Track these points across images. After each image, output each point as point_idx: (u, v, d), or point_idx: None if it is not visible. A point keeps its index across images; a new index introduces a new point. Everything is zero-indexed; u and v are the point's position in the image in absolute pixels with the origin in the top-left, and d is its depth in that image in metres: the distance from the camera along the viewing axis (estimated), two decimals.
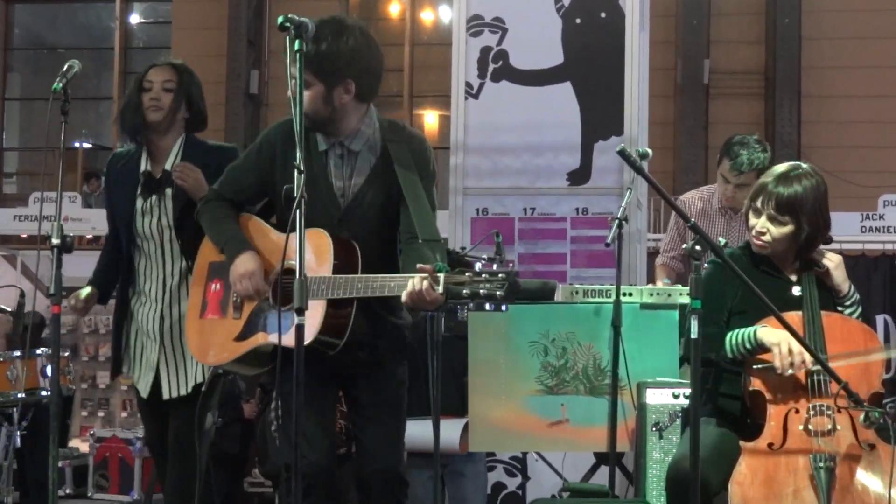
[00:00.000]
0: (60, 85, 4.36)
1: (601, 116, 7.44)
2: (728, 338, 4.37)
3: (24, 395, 5.37)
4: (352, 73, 4.21)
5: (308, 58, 4.00)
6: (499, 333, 5.48)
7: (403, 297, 3.89)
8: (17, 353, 5.58)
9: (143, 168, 4.99)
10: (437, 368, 5.19)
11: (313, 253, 3.96)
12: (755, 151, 6.21)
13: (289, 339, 3.81)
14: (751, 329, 4.33)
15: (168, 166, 4.96)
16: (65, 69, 4.41)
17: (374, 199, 4.27)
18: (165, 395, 4.94)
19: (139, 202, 4.97)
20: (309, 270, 3.88)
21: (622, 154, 4.12)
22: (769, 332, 4.29)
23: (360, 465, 4.41)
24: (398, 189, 4.21)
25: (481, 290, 3.73)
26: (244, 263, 4.25)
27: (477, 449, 5.65)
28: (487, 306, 3.75)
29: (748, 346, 4.31)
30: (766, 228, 4.51)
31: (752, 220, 4.56)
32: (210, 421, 6.23)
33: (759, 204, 4.53)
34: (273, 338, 4.14)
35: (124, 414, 11.23)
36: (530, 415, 5.44)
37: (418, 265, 3.85)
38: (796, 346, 4.23)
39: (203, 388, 4.83)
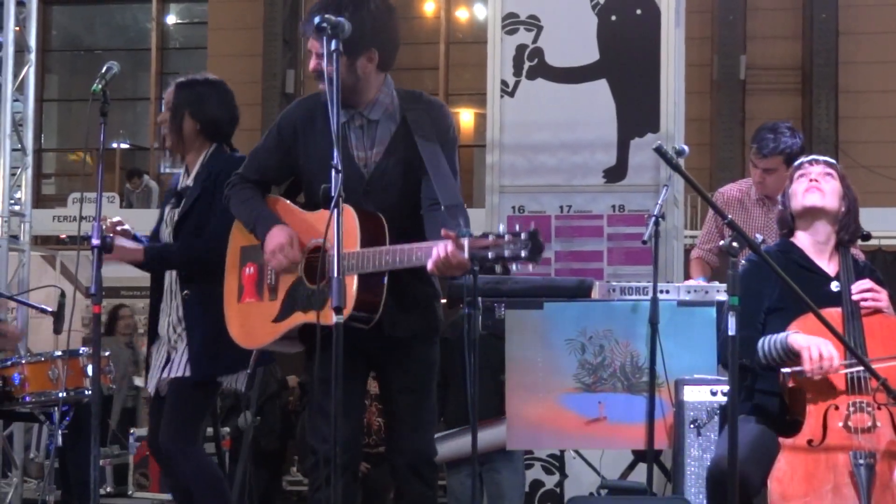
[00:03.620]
0: (100, 86, 4.38)
1: (637, 113, 7.43)
2: (760, 344, 4.36)
3: (65, 394, 5.39)
4: (374, 42, 4.24)
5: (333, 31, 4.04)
6: (536, 331, 5.47)
7: (429, 266, 3.87)
8: (59, 353, 5.61)
9: (183, 184, 5.13)
10: (474, 367, 5.19)
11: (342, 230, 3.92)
12: (783, 136, 6.16)
13: (324, 317, 3.85)
14: (781, 336, 4.31)
15: (190, 182, 5.09)
16: (103, 71, 4.43)
17: (396, 166, 4.28)
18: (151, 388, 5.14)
19: (167, 211, 5.12)
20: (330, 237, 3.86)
21: (659, 151, 4.11)
22: (799, 338, 4.27)
23: (391, 449, 4.43)
24: (419, 156, 4.21)
25: (506, 252, 3.70)
26: (275, 237, 4.25)
27: (514, 447, 5.65)
28: (513, 267, 3.73)
29: (779, 353, 4.30)
30: (819, 178, 4.53)
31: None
32: (248, 420, 6.26)
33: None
34: (308, 317, 4.17)
35: None
36: (568, 412, 5.43)
37: (442, 231, 3.82)
38: (826, 351, 4.21)
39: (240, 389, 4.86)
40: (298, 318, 4.24)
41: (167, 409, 4.96)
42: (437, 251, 3.83)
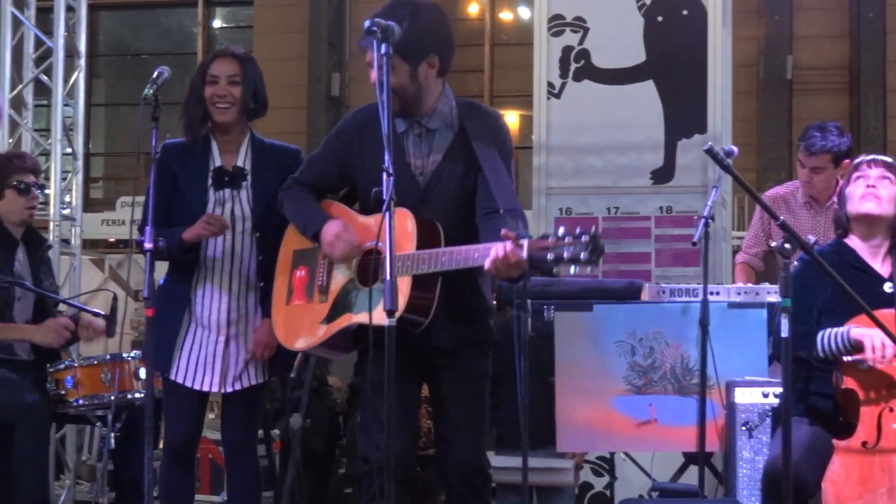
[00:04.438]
0: (151, 91, 4.41)
1: (684, 114, 7.41)
2: (820, 336, 4.34)
3: (117, 397, 5.42)
4: (434, 48, 4.24)
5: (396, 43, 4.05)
6: (585, 333, 5.47)
7: (486, 265, 3.84)
8: (111, 356, 5.65)
9: (216, 163, 4.90)
10: (524, 369, 5.20)
11: (397, 232, 3.90)
12: (831, 135, 6.15)
13: (376, 318, 3.83)
14: (843, 329, 4.30)
15: (240, 162, 4.89)
16: (155, 76, 4.45)
17: (452, 174, 4.27)
18: (217, 388, 4.86)
19: (211, 194, 4.86)
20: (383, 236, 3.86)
21: (710, 152, 4.11)
22: (861, 329, 4.26)
23: (442, 460, 4.39)
24: (476, 164, 4.21)
25: (565, 254, 3.68)
26: (331, 228, 4.27)
27: (565, 449, 5.64)
28: (572, 269, 3.69)
29: (840, 345, 4.28)
30: (877, 183, 4.51)
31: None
32: (298, 421, 6.29)
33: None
34: (359, 318, 4.16)
35: (212, 415, 11.31)
36: (618, 415, 5.42)
37: (502, 231, 3.81)
38: (887, 342, 4.19)
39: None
40: (348, 320, 4.23)
41: (245, 407, 4.91)
42: (495, 251, 3.81)
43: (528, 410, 4.69)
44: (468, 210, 4.24)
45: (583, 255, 3.65)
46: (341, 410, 9.49)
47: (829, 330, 4.33)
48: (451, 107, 4.34)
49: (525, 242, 3.76)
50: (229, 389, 4.87)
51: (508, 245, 3.77)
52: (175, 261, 4.84)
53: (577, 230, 3.69)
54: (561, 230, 3.72)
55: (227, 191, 4.85)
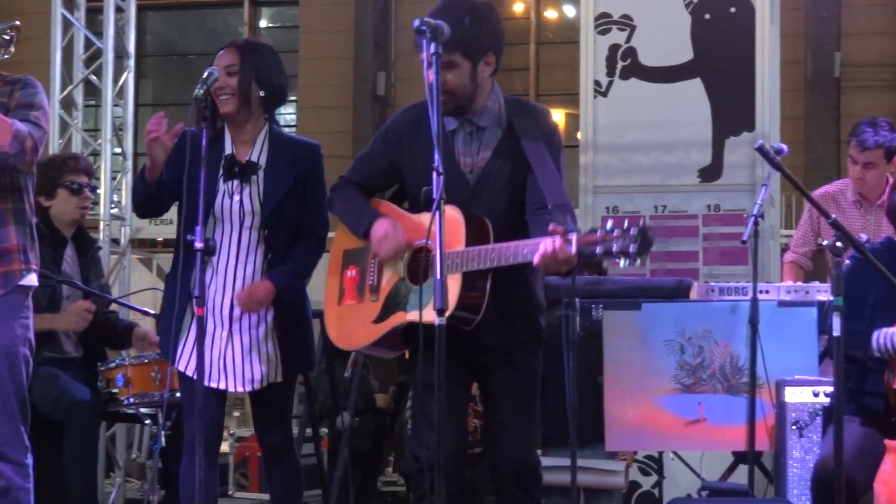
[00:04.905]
0: (202, 91, 4.41)
1: (732, 112, 7.39)
2: (876, 336, 4.31)
3: (167, 395, 5.45)
4: (491, 46, 4.26)
5: (454, 38, 4.06)
6: (634, 332, 5.46)
7: (535, 260, 3.84)
8: (160, 355, 5.68)
9: (227, 151, 4.77)
10: (572, 367, 5.19)
11: (446, 229, 3.88)
12: (882, 130, 6.12)
13: (427, 316, 3.83)
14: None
15: (255, 155, 4.77)
16: (205, 76, 4.46)
17: (501, 171, 4.27)
18: (231, 388, 4.73)
19: (220, 183, 4.72)
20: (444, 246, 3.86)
21: (761, 151, 4.10)
22: None
23: (493, 458, 4.39)
24: (525, 160, 4.20)
25: (614, 247, 3.68)
26: (380, 227, 4.27)
27: (613, 448, 5.63)
28: (621, 262, 3.69)
29: None
30: None
31: None
32: (347, 421, 6.31)
33: None
34: (410, 316, 4.16)
35: (237, 413, 11.38)
36: (667, 414, 5.41)
37: (550, 226, 3.81)
38: None
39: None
40: (400, 318, 4.24)
41: (277, 403, 4.85)
42: (544, 246, 3.81)
43: (576, 410, 4.69)
44: (518, 207, 4.24)
45: (632, 249, 3.65)
46: (387, 410, 9.53)
47: (885, 329, 4.30)
48: (500, 104, 4.35)
49: (574, 237, 3.76)
50: (234, 389, 4.76)
51: (557, 240, 3.77)
52: (145, 198, 4.72)
53: (626, 223, 3.69)
54: (609, 224, 3.72)
55: (237, 182, 4.73)
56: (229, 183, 4.72)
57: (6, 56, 4.27)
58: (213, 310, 4.72)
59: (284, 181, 4.73)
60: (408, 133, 4.38)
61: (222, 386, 4.71)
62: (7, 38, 4.26)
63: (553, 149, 4.26)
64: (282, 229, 4.74)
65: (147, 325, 6.74)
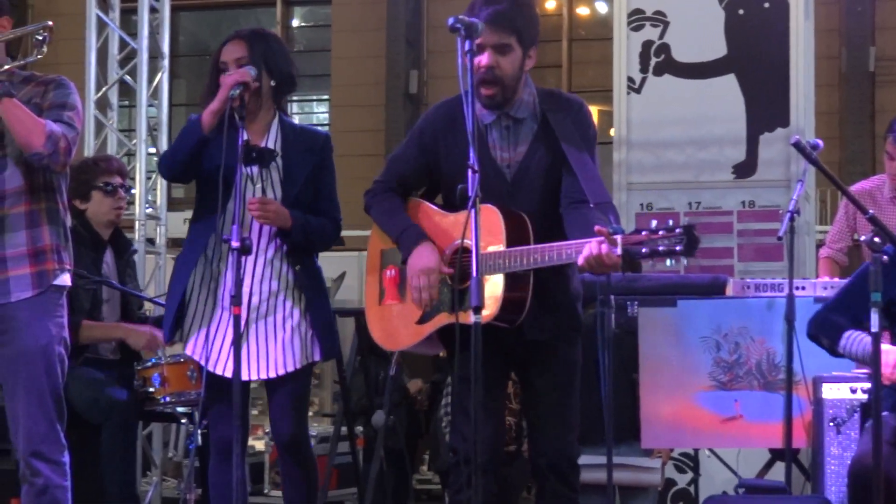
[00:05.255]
0: (237, 91, 4.42)
1: (766, 108, 7.37)
2: (847, 335, 4.32)
3: (203, 394, 5.46)
4: (535, 40, 4.29)
5: (515, 23, 4.12)
6: (669, 329, 5.45)
7: (580, 261, 3.83)
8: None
9: (244, 137, 4.59)
10: (608, 365, 5.18)
11: (485, 229, 3.90)
12: None
13: (464, 317, 3.83)
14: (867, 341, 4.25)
15: (271, 143, 4.74)
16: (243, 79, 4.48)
17: (539, 165, 4.26)
18: (245, 376, 4.62)
19: (240, 168, 4.57)
20: (484, 246, 3.87)
21: (797, 146, 4.08)
22: (886, 346, 4.23)
23: (533, 451, 4.38)
24: (561, 154, 4.20)
25: (660, 247, 3.67)
26: (421, 259, 4.24)
27: (649, 446, 5.62)
28: (668, 262, 3.70)
29: (863, 353, 4.27)
30: None
31: None
32: (381, 418, 6.31)
33: None
34: (452, 317, 4.12)
35: (254, 412, 11.38)
36: (703, 411, 5.40)
37: (596, 227, 3.79)
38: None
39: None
40: (443, 320, 4.23)
41: (292, 396, 4.73)
42: (589, 248, 3.80)
43: (612, 407, 4.69)
44: (554, 201, 4.23)
45: (678, 248, 3.65)
46: (421, 408, 9.55)
47: (857, 334, 4.29)
48: (534, 96, 4.34)
49: (619, 238, 3.74)
50: (248, 378, 4.67)
51: (604, 245, 3.76)
52: (190, 150, 4.61)
53: (670, 222, 3.68)
54: (653, 223, 3.70)
55: (256, 168, 4.68)
56: (249, 169, 4.66)
57: (39, 56, 4.30)
58: (230, 296, 4.59)
59: (303, 168, 4.73)
60: (442, 129, 4.37)
61: (244, 376, 4.60)
62: (40, 38, 4.27)
63: (588, 142, 4.25)
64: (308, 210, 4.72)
65: None
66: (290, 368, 4.68)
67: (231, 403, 4.40)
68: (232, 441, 4.44)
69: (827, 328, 4.35)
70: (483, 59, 4.15)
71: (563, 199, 4.19)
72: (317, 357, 4.77)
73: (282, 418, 4.77)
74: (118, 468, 5.53)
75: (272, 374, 4.68)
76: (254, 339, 4.68)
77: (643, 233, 3.71)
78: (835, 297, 4.68)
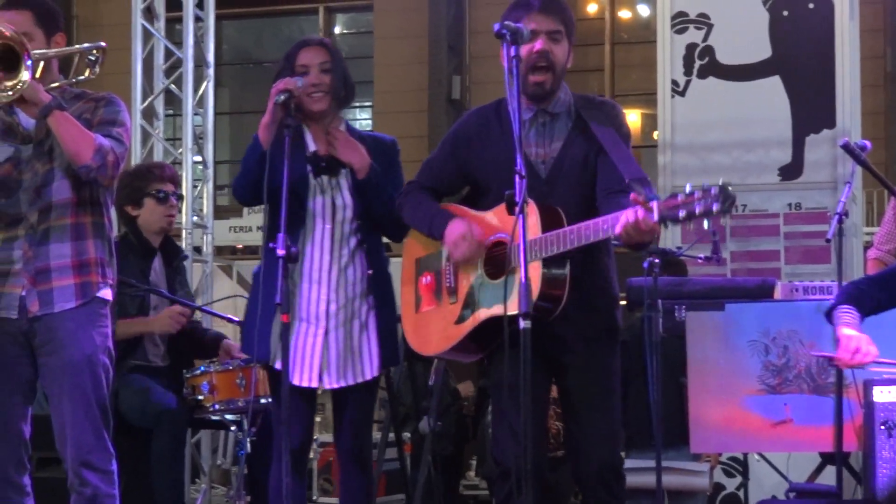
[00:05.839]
0: (281, 98, 4.43)
1: (812, 109, 7.36)
2: (837, 309, 4.27)
3: (252, 401, 5.49)
4: (574, 38, 4.33)
5: (565, 13, 4.21)
6: (717, 333, 5.42)
7: (617, 230, 3.82)
8: (244, 361, 5.72)
9: (311, 149, 4.72)
10: (656, 369, 5.17)
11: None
12: None
13: (508, 308, 3.83)
14: (840, 321, 4.21)
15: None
16: (294, 84, 4.50)
17: (574, 160, 4.25)
18: (326, 385, 4.67)
19: (310, 179, 4.69)
20: (517, 238, 3.84)
21: (846, 148, 4.07)
22: (848, 331, 4.19)
23: (575, 460, 4.35)
24: (595, 147, 4.20)
25: (697, 208, 3.64)
26: (455, 228, 4.24)
27: (698, 450, 5.60)
28: (705, 224, 3.65)
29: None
30: None
31: None
32: (430, 425, 6.32)
33: None
34: (492, 311, 4.11)
35: (318, 419, 11.42)
36: (752, 415, 5.36)
37: (631, 195, 3.78)
38: (864, 347, 4.14)
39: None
40: (482, 315, 4.20)
41: (363, 405, 4.78)
42: (625, 216, 3.79)
43: (660, 411, 4.67)
44: (590, 196, 4.22)
45: (715, 207, 3.62)
46: (468, 413, 9.55)
47: (841, 310, 4.24)
48: (569, 96, 4.36)
49: (655, 205, 3.73)
50: (331, 386, 4.70)
51: (640, 210, 3.75)
52: (257, 167, 4.53)
53: (705, 184, 3.66)
54: (688, 187, 3.68)
55: (326, 178, 4.71)
56: (319, 179, 4.70)
57: (91, 77, 4.34)
58: (308, 307, 4.69)
59: (374, 168, 4.72)
60: (476, 134, 4.38)
61: (314, 384, 4.66)
62: (92, 58, 4.33)
63: (623, 136, 4.25)
64: (373, 220, 4.72)
65: (229, 332, 6.81)
66: (368, 376, 4.73)
67: (300, 411, 4.55)
68: (296, 450, 4.55)
69: (844, 292, 4.31)
70: (537, 44, 4.18)
71: (600, 193, 4.18)
72: (385, 365, 4.82)
73: (350, 427, 4.79)
74: (167, 475, 5.55)
75: (350, 382, 4.71)
76: (333, 346, 4.69)
77: (678, 197, 3.69)
78: (881, 272, 4.64)
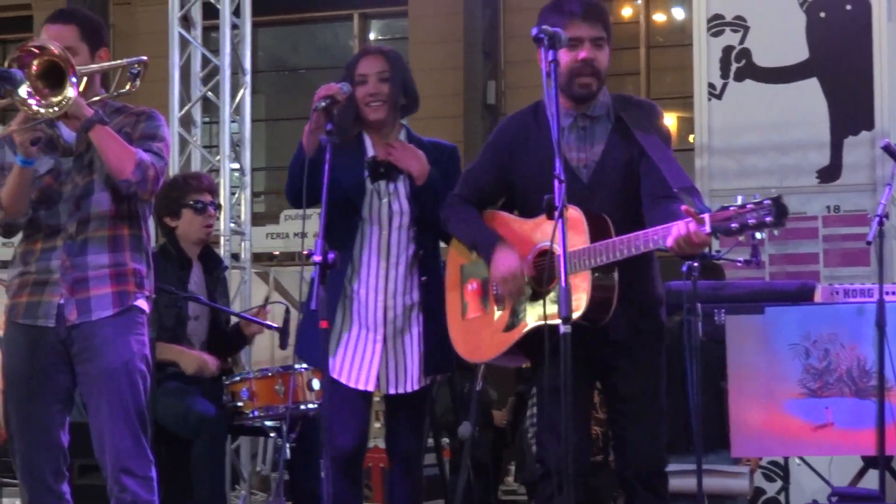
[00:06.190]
0: (321, 105, 4.43)
1: (850, 111, 7.33)
2: None
3: (292, 408, 5.50)
4: None
5: (606, 18, 4.24)
6: (757, 336, 5.39)
7: (669, 243, 3.82)
8: (283, 368, 5.75)
9: (370, 153, 4.75)
10: (696, 373, 5.15)
11: (569, 229, 3.84)
12: None
13: (553, 319, 3.80)
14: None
15: None
16: (339, 89, 4.50)
17: (615, 164, 4.25)
18: (392, 390, 4.72)
19: (367, 185, 4.71)
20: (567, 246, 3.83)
21: (887, 150, 4.06)
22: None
23: (619, 461, 4.36)
24: (637, 151, 4.19)
25: (750, 220, 3.65)
26: (504, 262, 4.24)
27: (739, 454, 5.57)
28: (758, 235, 3.68)
29: None
30: None
31: None
32: (468, 429, 6.31)
33: None
34: (538, 322, 4.10)
35: (377, 425, 11.41)
36: (793, 419, 5.33)
37: (683, 207, 3.78)
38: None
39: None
40: (529, 324, 4.21)
41: (418, 411, 4.82)
42: (677, 229, 3.79)
43: (700, 415, 4.65)
44: (632, 199, 4.21)
45: (768, 219, 3.63)
46: (499, 423, 9.56)
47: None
48: (607, 97, 4.35)
49: (707, 217, 3.73)
50: (391, 391, 4.74)
51: (692, 224, 3.75)
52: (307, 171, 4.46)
53: (756, 196, 3.67)
54: (739, 199, 3.70)
55: (383, 183, 4.72)
56: (377, 184, 4.72)
57: (132, 90, 4.37)
58: (366, 313, 4.72)
59: (431, 179, 4.71)
60: (516, 141, 4.38)
61: (370, 388, 4.68)
62: (133, 72, 4.37)
63: (664, 138, 4.25)
64: (431, 225, 4.71)
65: (266, 338, 6.83)
66: (424, 383, 4.77)
67: (352, 413, 4.63)
68: (349, 453, 4.61)
69: None
70: (582, 52, 4.19)
71: (646, 199, 4.17)
72: (438, 372, 4.85)
73: (404, 432, 4.83)
74: (207, 482, 5.57)
75: (408, 389, 4.74)
76: (392, 353, 4.73)
77: (730, 209, 3.70)
78: None
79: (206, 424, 5.54)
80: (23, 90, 4.10)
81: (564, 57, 4.11)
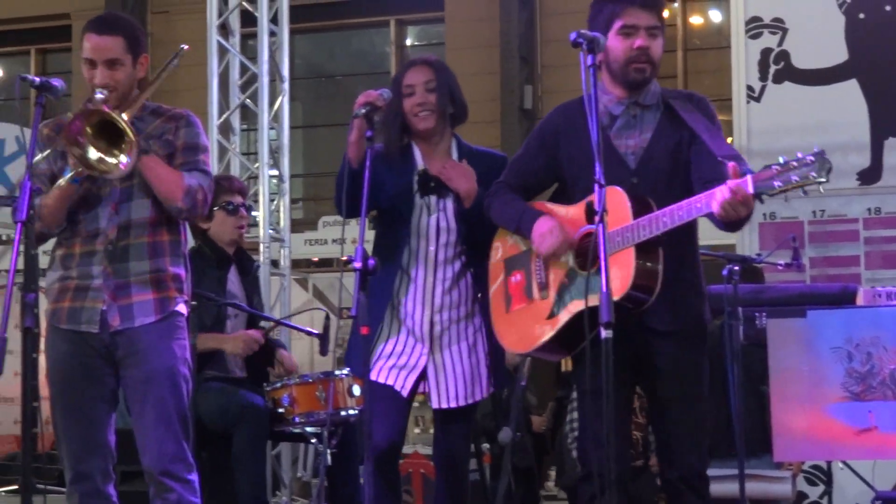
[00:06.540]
0: (361, 112, 4.42)
1: (891, 112, 7.30)
2: None
3: (332, 414, 5.52)
4: None
5: (661, 7, 4.25)
6: (799, 340, 5.36)
7: (715, 207, 3.81)
8: (324, 374, 5.76)
9: (420, 166, 4.78)
10: (737, 377, 5.14)
11: (611, 208, 3.87)
12: None
13: (596, 300, 3.78)
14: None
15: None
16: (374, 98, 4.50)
17: (664, 149, 4.24)
18: (435, 405, 4.75)
19: (417, 199, 4.73)
20: (610, 225, 3.86)
21: None
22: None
23: (662, 464, 4.34)
24: (688, 134, 4.19)
25: (794, 177, 3.67)
26: (543, 224, 4.25)
27: (782, 459, 5.55)
28: (802, 192, 3.70)
29: None
30: None
31: None
32: (509, 435, 6.31)
33: None
34: (590, 301, 4.03)
35: (417, 430, 11.44)
36: (836, 422, 5.30)
37: (729, 164, 3.79)
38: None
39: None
40: (576, 307, 4.16)
41: (464, 424, 4.83)
42: (720, 192, 3.80)
43: (742, 419, 4.63)
44: (681, 186, 4.19)
45: (812, 175, 3.66)
46: (538, 430, 9.55)
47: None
48: (658, 87, 4.35)
49: (749, 177, 3.75)
50: (434, 405, 4.77)
51: (733, 182, 3.75)
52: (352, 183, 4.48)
53: (799, 154, 3.69)
54: (782, 158, 3.72)
55: (433, 198, 4.74)
56: (426, 199, 4.74)
57: (172, 69, 4.42)
58: (413, 326, 4.74)
59: (479, 194, 4.69)
60: (564, 128, 4.38)
61: (405, 392, 4.71)
62: (172, 65, 4.43)
63: (715, 126, 4.22)
64: (480, 242, 4.70)
65: (305, 344, 6.85)
66: (478, 397, 4.80)
67: (389, 409, 4.64)
68: (383, 450, 4.60)
69: None
70: (638, 40, 4.20)
71: (696, 182, 4.15)
72: (492, 388, 4.85)
73: (453, 439, 4.85)
74: (249, 470, 5.57)
75: (462, 404, 4.76)
76: (441, 367, 4.75)
77: (773, 167, 3.72)
78: None
79: (249, 412, 5.57)
80: (92, 153, 4.15)
81: (619, 45, 4.16)
